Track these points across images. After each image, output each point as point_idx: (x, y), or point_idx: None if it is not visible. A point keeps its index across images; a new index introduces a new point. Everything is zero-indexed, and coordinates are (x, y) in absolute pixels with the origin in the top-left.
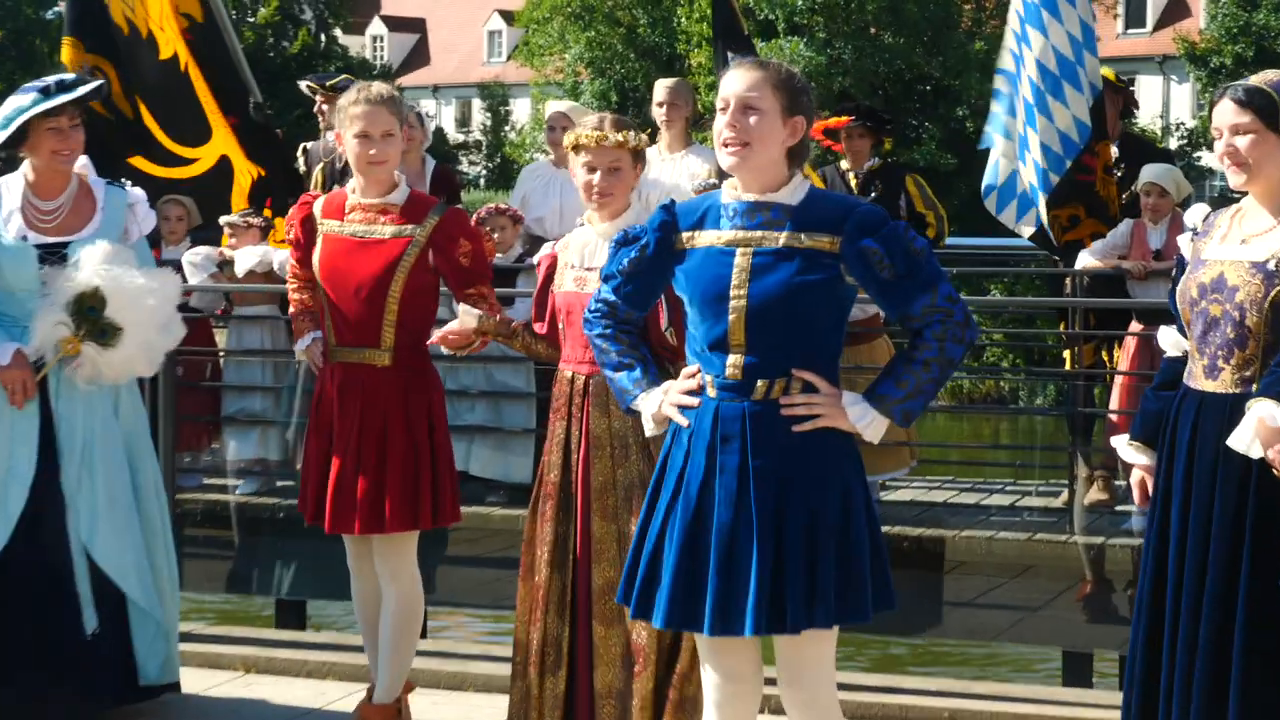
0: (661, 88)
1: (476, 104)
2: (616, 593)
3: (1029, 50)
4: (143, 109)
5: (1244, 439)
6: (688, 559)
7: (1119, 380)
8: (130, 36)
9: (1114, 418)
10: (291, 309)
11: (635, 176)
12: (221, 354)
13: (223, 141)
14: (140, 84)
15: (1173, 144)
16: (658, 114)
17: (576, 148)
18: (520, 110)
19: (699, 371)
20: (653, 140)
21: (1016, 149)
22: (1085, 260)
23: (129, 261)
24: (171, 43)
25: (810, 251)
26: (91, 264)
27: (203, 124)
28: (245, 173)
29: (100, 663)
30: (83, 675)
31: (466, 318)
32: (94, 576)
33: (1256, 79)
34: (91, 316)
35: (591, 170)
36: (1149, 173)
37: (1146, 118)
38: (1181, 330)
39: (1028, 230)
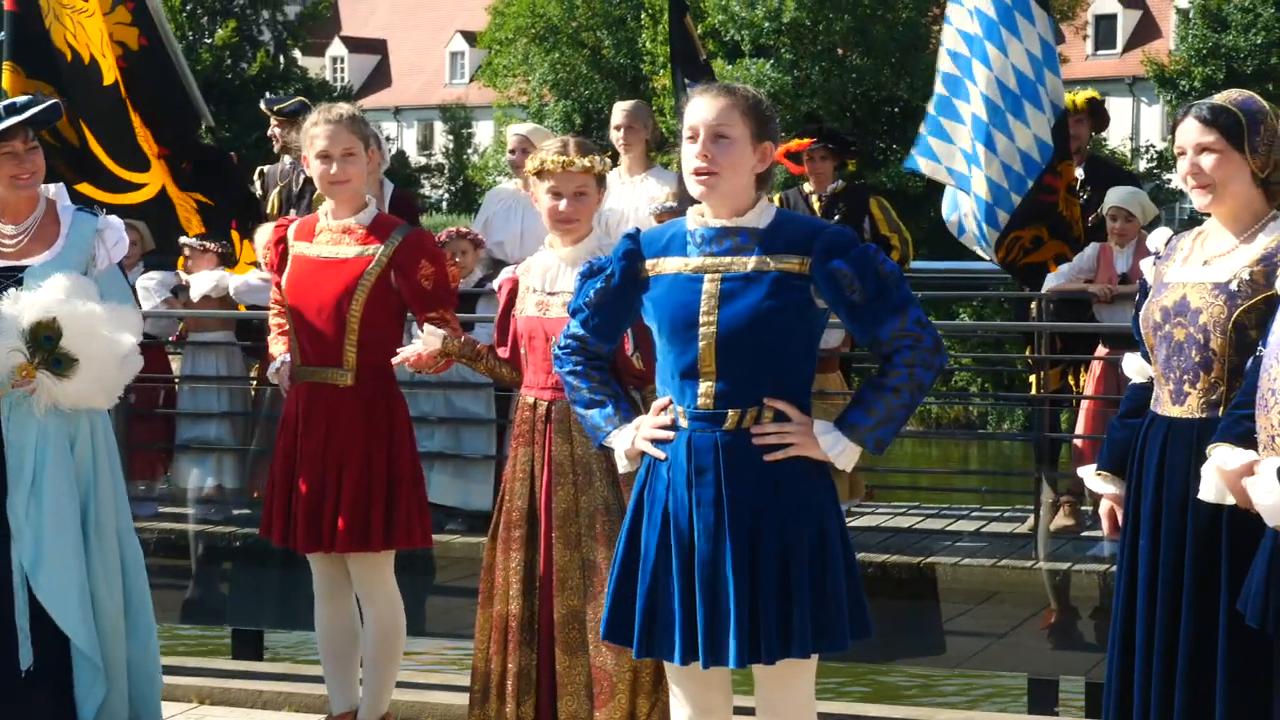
0: (619, 111)
1: (439, 126)
2: (600, 627)
3: (985, 69)
4: (88, 135)
5: (1210, 490)
6: (686, 593)
7: (1085, 405)
8: (73, 62)
9: (1080, 443)
10: (269, 334)
11: (599, 201)
12: (176, 380)
13: (160, 173)
14: (85, 110)
15: (1142, 166)
16: (616, 137)
17: (541, 173)
18: (483, 133)
19: (671, 404)
20: (614, 163)
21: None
22: (1052, 284)
23: (90, 293)
24: (112, 69)
25: (779, 275)
26: (51, 293)
27: (142, 152)
28: (183, 203)
29: (34, 702)
30: (12, 714)
31: (431, 338)
32: (34, 611)
33: (1220, 97)
34: (47, 346)
35: (557, 196)
36: (1114, 196)
37: (1116, 140)
38: (1146, 356)
39: (989, 253)
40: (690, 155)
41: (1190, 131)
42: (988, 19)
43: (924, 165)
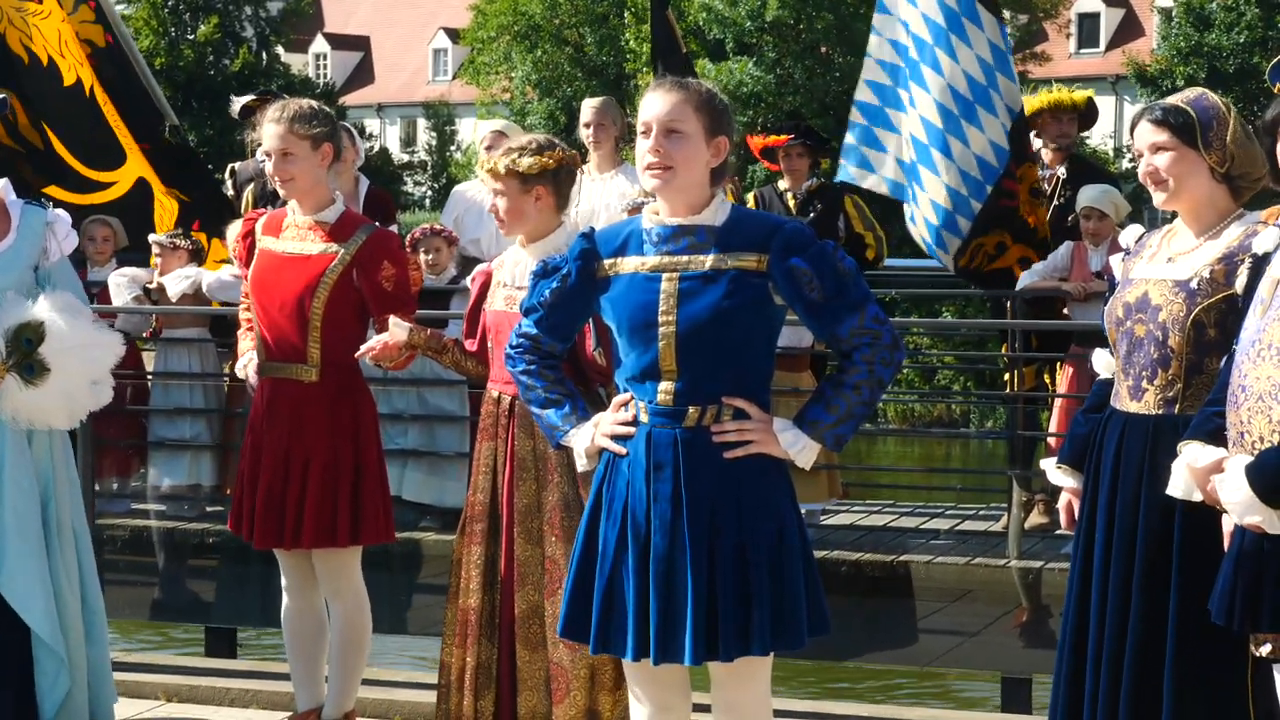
0: (588, 108)
1: (421, 123)
2: (558, 625)
3: (938, 76)
4: (52, 137)
5: (1179, 486)
6: (641, 589)
7: (1058, 403)
8: (31, 65)
9: (1053, 441)
10: (239, 329)
11: (536, 199)
12: (149, 377)
13: (138, 165)
14: (46, 112)
15: (1124, 165)
16: (585, 134)
17: None
18: (466, 130)
19: (631, 400)
20: (584, 160)
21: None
22: (1025, 282)
23: (84, 315)
24: (74, 68)
25: (737, 273)
26: (45, 303)
27: (116, 147)
28: (163, 200)
29: None
30: None
31: (397, 330)
32: None
33: (1173, 98)
34: (25, 349)
35: (495, 195)
36: (1086, 196)
37: (1098, 138)
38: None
39: (947, 260)
40: (643, 151)
41: (1144, 133)
42: (937, 26)
43: (856, 174)
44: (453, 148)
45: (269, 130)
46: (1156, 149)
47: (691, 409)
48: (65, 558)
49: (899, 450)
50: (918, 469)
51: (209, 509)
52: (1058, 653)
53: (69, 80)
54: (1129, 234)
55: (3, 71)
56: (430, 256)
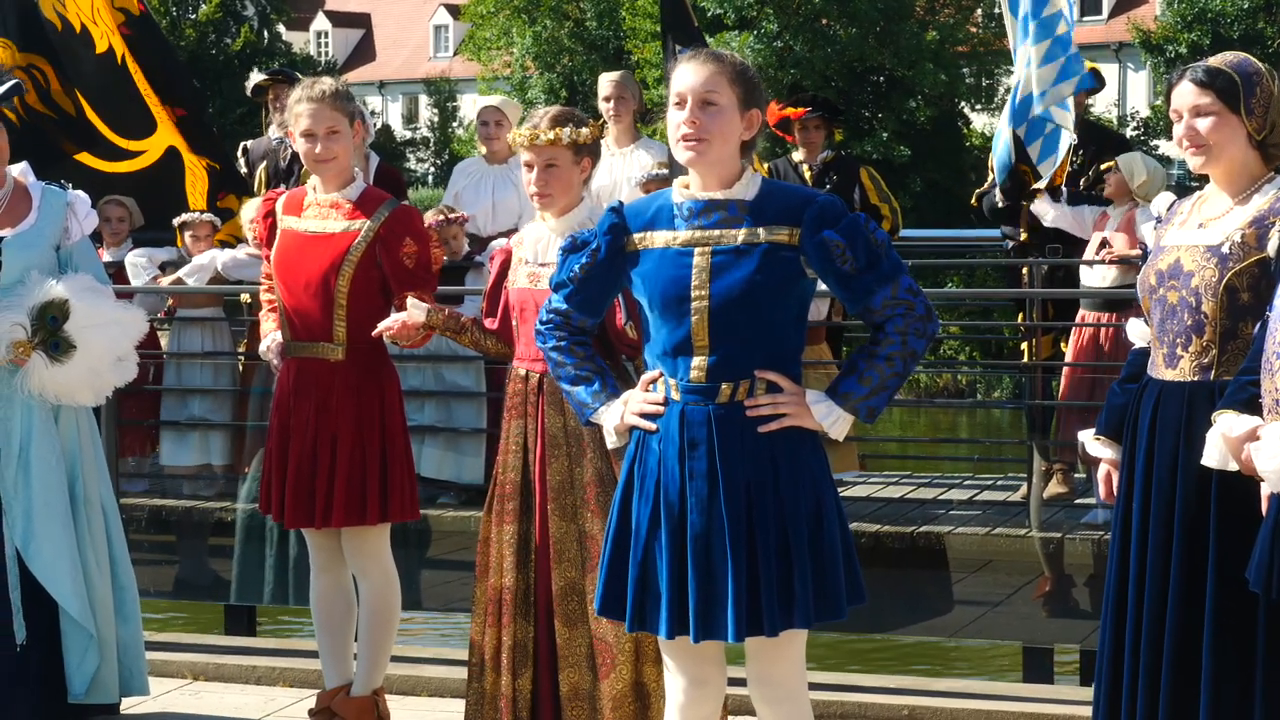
0: (607, 82)
1: (423, 100)
2: (595, 601)
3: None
4: (84, 104)
5: (1215, 456)
6: (677, 566)
7: (1066, 369)
8: (64, 32)
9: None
10: (260, 309)
11: (582, 171)
12: (165, 356)
13: (168, 134)
14: (79, 79)
15: (1128, 133)
16: (604, 109)
17: (520, 146)
18: (468, 106)
19: (660, 377)
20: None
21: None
22: (1047, 210)
23: (106, 296)
24: (106, 36)
25: (770, 246)
26: (68, 283)
27: (147, 116)
28: (196, 166)
29: (27, 677)
30: (7, 690)
31: (414, 310)
32: (25, 585)
33: (1215, 60)
34: (51, 326)
35: (529, 168)
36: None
37: (1102, 105)
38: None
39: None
40: (677, 122)
41: (1186, 94)
42: None
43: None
44: (455, 124)
45: (310, 110)
46: (1199, 112)
47: (724, 385)
48: (94, 534)
49: (905, 419)
50: (941, 439)
51: (225, 487)
52: (1102, 618)
53: (101, 48)
54: (1160, 201)
55: (36, 37)
56: (450, 244)
